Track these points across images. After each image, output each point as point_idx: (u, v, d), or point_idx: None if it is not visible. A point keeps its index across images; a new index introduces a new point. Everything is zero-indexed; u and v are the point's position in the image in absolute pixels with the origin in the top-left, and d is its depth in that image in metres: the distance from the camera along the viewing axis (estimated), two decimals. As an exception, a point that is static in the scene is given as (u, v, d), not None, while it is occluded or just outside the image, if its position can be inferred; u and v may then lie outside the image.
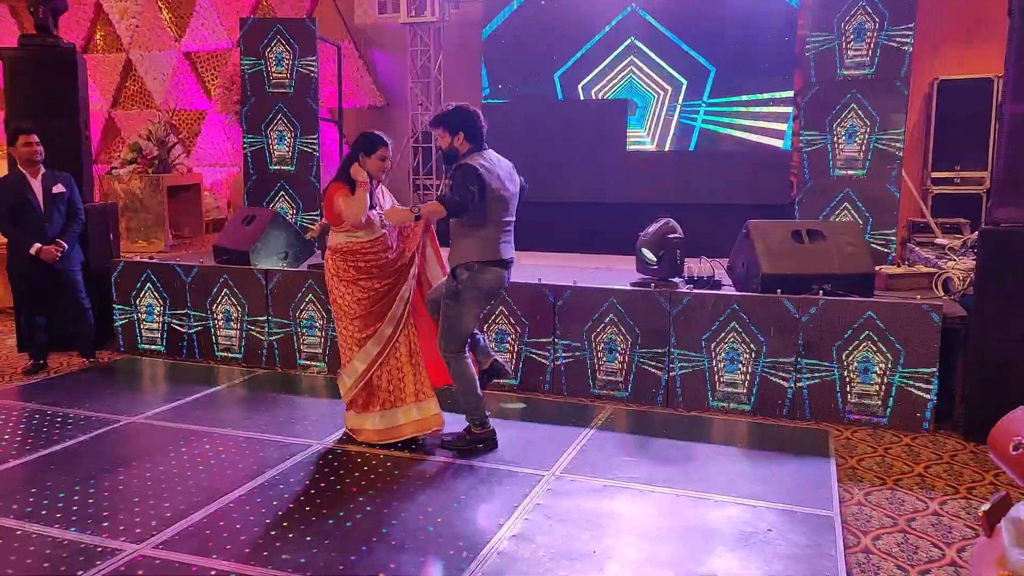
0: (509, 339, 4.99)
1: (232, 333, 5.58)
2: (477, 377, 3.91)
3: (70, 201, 5.38)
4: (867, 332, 4.35)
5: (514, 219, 3.89)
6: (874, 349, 4.35)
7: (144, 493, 3.36)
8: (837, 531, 3.10)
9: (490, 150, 3.83)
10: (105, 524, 3.06)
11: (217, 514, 3.16)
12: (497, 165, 3.78)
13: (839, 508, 3.32)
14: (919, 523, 3.22)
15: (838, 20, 5.71)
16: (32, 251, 5.12)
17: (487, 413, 3.97)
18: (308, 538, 2.97)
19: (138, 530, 3.01)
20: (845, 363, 4.41)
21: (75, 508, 3.21)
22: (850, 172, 5.80)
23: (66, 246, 5.25)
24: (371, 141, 3.89)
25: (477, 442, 3.90)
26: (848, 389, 4.43)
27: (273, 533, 3.00)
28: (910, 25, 5.57)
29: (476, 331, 3.93)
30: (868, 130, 5.72)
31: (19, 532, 2.99)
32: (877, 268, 4.86)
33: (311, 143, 6.35)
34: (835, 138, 5.80)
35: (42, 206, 5.21)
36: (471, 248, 3.74)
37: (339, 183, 3.86)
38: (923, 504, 3.40)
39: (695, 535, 3.08)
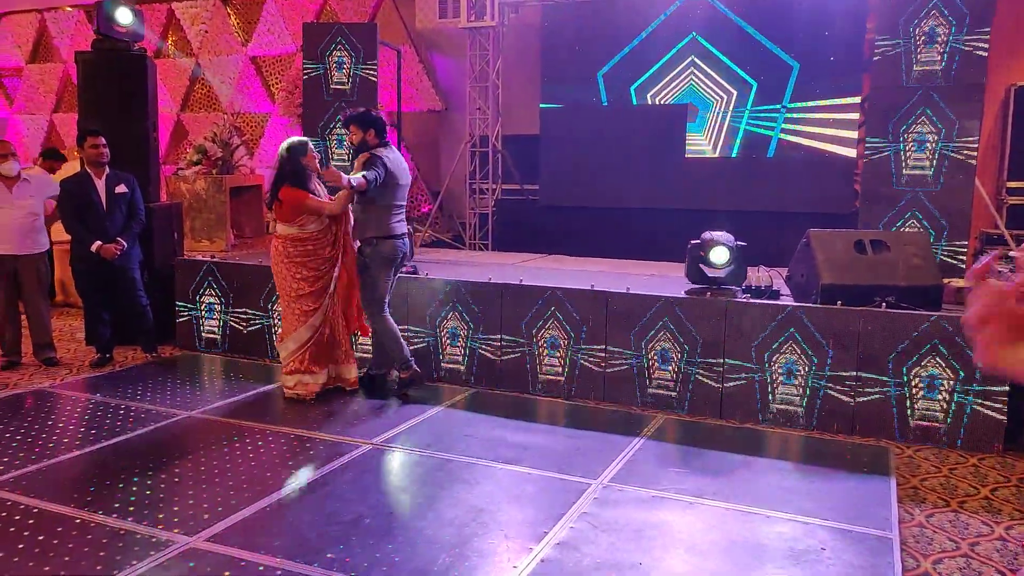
0: (561, 345, 4.97)
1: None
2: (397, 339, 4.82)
3: (132, 201, 5.56)
4: (933, 347, 4.17)
5: (405, 203, 4.84)
6: (941, 365, 4.17)
7: (198, 486, 3.45)
8: (895, 553, 2.98)
9: (391, 146, 4.79)
10: (160, 515, 3.15)
11: (268, 510, 3.22)
12: (397, 158, 4.76)
13: (898, 529, 3.18)
14: (983, 548, 3.07)
15: (908, 24, 5.50)
16: (93, 248, 5.31)
17: (411, 358, 4.82)
18: (353, 537, 3.00)
19: (191, 522, 3.09)
20: (909, 379, 4.24)
21: (132, 499, 3.31)
22: (918, 181, 5.58)
23: (125, 244, 5.43)
24: (302, 144, 4.72)
25: (411, 383, 4.77)
26: (911, 406, 4.25)
27: (320, 531, 3.04)
28: (986, 29, 5.33)
29: (403, 343, 4.83)
30: (939, 137, 5.49)
31: (78, 521, 3.10)
32: (945, 281, 4.66)
33: (369, 146, 6.43)
34: (904, 146, 5.59)
35: (105, 205, 5.40)
36: (370, 226, 4.67)
37: (299, 190, 4.60)
38: (988, 528, 3.24)
39: (744, 550, 3.00)
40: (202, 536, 2.98)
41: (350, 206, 4.74)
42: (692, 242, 4.82)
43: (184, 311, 6.06)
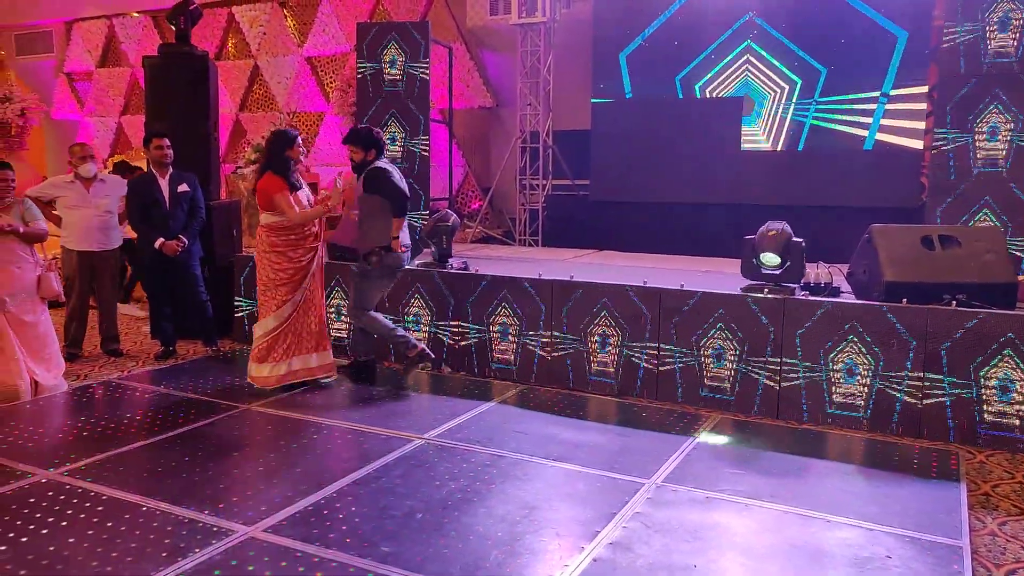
0: (612, 342, 4.91)
1: (342, 327, 5.79)
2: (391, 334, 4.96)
3: (193, 199, 5.73)
4: (1007, 347, 3.98)
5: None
6: (1015, 366, 3.98)
7: (256, 478, 3.53)
8: (966, 562, 2.85)
9: (389, 161, 4.98)
10: (220, 505, 3.22)
11: (322, 503, 3.26)
12: (398, 170, 4.89)
13: (969, 537, 3.05)
14: (1060, 559, 2.91)
15: (981, 9, 5.26)
16: (156, 245, 5.49)
17: (409, 337, 4.98)
18: (406, 531, 3.02)
19: (250, 512, 3.16)
20: (981, 380, 4.06)
21: (194, 488, 3.40)
22: (991, 173, 5.33)
23: (187, 241, 5.60)
24: (289, 136, 4.82)
25: (417, 362, 4.92)
26: (983, 408, 4.07)
27: (373, 525, 3.07)
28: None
29: (395, 327, 5.00)
30: (1013, 127, 5.23)
31: (144, 508, 3.20)
32: (1021, 278, 4.45)
33: (422, 144, 6.49)
34: (975, 136, 5.34)
35: (168, 204, 5.58)
36: (377, 236, 4.74)
37: (276, 180, 4.73)
38: (1065, 539, 3.07)
39: (804, 555, 2.91)
40: (260, 527, 3.04)
41: (353, 214, 4.95)
42: (747, 236, 4.71)
43: (242, 306, 6.21)
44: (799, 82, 7.26)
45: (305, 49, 10.46)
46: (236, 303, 6.23)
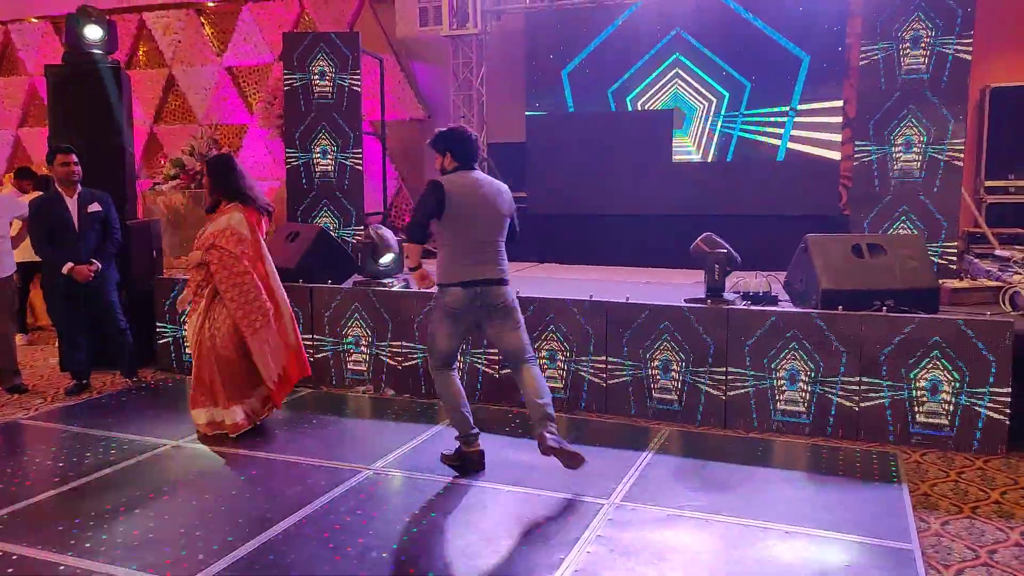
0: (560, 357, 4.87)
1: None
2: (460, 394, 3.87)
3: (106, 220, 5.35)
4: (934, 351, 4.14)
5: (492, 239, 3.76)
6: (942, 368, 4.14)
7: (190, 523, 3.28)
8: (919, 567, 2.91)
9: (475, 171, 3.80)
10: (150, 559, 2.97)
11: (267, 546, 3.06)
12: (468, 184, 3.70)
13: (917, 539, 3.12)
14: (1001, 555, 3.02)
15: (894, 28, 5.51)
16: (65, 270, 5.09)
17: (474, 431, 3.84)
18: (362, 572, 2.86)
19: (185, 564, 2.92)
20: (912, 383, 4.20)
21: (119, 540, 3.12)
22: (908, 183, 5.58)
23: (99, 265, 5.22)
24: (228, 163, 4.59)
25: (464, 460, 3.83)
26: (916, 409, 4.22)
27: (327, 566, 2.90)
28: (969, 33, 5.36)
29: (464, 410, 3.82)
30: (926, 140, 5.50)
31: (62, 567, 2.91)
32: (940, 282, 4.65)
33: (355, 157, 6.31)
34: (893, 148, 5.59)
35: (77, 226, 5.19)
36: (438, 267, 3.78)
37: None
38: (1003, 534, 3.19)
39: (767, 571, 2.90)
40: (200, 577, 2.82)
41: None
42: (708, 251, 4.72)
43: (165, 332, 5.87)
44: (727, 95, 7.45)
45: (225, 59, 10.07)
46: (159, 328, 5.88)
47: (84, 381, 5.43)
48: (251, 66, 10.03)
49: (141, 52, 10.67)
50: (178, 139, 10.06)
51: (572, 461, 3.59)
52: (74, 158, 5.23)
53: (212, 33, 10.23)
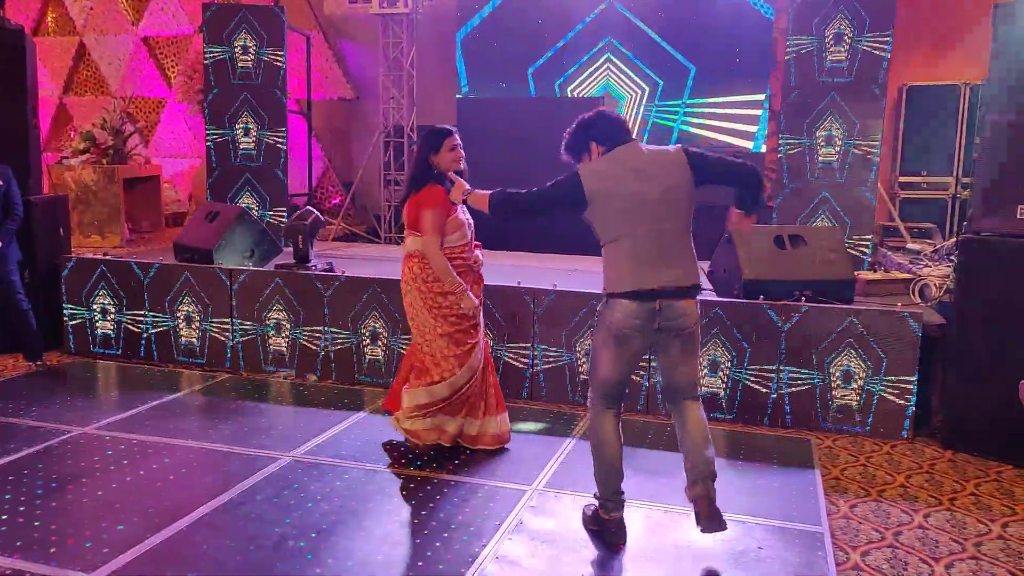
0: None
1: (194, 335, 5.31)
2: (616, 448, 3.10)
3: (7, 195, 5.02)
4: (848, 340, 4.30)
5: (671, 226, 2.94)
6: (855, 356, 4.31)
7: (96, 514, 3.12)
8: (827, 548, 3.02)
9: (624, 146, 3.02)
10: (53, 550, 2.81)
11: (178, 537, 2.93)
12: (622, 162, 2.96)
13: (827, 522, 3.24)
14: (905, 537, 3.16)
15: (818, 24, 5.67)
16: None
17: (620, 496, 3.06)
18: (279, 563, 2.77)
19: (90, 556, 2.78)
20: (827, 371, 4.36)
21: (20, 531, 2.95)
22: (828, 177, 5.78)
23: (0, 244, 4.92)
24: (436, 134, 3.79)
25: (601, 526, 3.07)
26: (829, 397, 4.38)
27: (241, 557, 2.80)
28: (887, 31, 5.56)
29: (613, 467, 3.08)
30: (846, 135, 5.69)
31: (-43, 559, 2.74)
32: (856, 274, 4.83)
33: (278, 136, 6.09)
34: (814, 142, 5.76)
35: None
36: (604, 273, 3.00)
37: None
38: (908, 517, 3.34)
39: (686, 555, 2.97)
40: (103, 572, 2.68)
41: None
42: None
43: (73, 314, 5.55)
44: (660, 83, 7.56)
45: (141, 28, 9.56)
46: (65, 310, 5.56)
47: (-18, 366, 5.10)
48: (169, 37, 9.56)
49: (50, 18, 10.03)
50: (89, 111, 9.52)
51: (719, 527, 2.96)
52: None
53: (127, 2, 9.70)
